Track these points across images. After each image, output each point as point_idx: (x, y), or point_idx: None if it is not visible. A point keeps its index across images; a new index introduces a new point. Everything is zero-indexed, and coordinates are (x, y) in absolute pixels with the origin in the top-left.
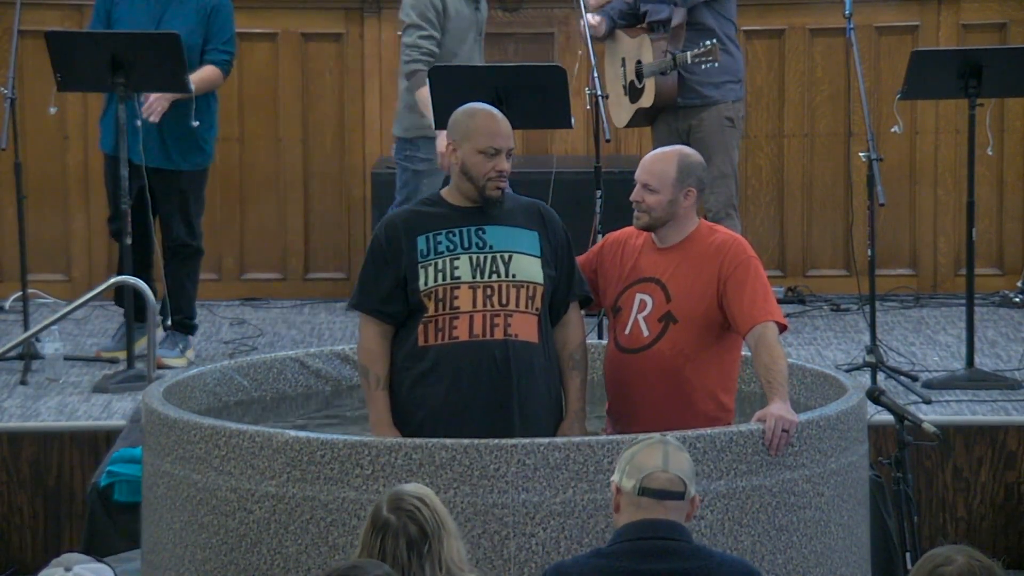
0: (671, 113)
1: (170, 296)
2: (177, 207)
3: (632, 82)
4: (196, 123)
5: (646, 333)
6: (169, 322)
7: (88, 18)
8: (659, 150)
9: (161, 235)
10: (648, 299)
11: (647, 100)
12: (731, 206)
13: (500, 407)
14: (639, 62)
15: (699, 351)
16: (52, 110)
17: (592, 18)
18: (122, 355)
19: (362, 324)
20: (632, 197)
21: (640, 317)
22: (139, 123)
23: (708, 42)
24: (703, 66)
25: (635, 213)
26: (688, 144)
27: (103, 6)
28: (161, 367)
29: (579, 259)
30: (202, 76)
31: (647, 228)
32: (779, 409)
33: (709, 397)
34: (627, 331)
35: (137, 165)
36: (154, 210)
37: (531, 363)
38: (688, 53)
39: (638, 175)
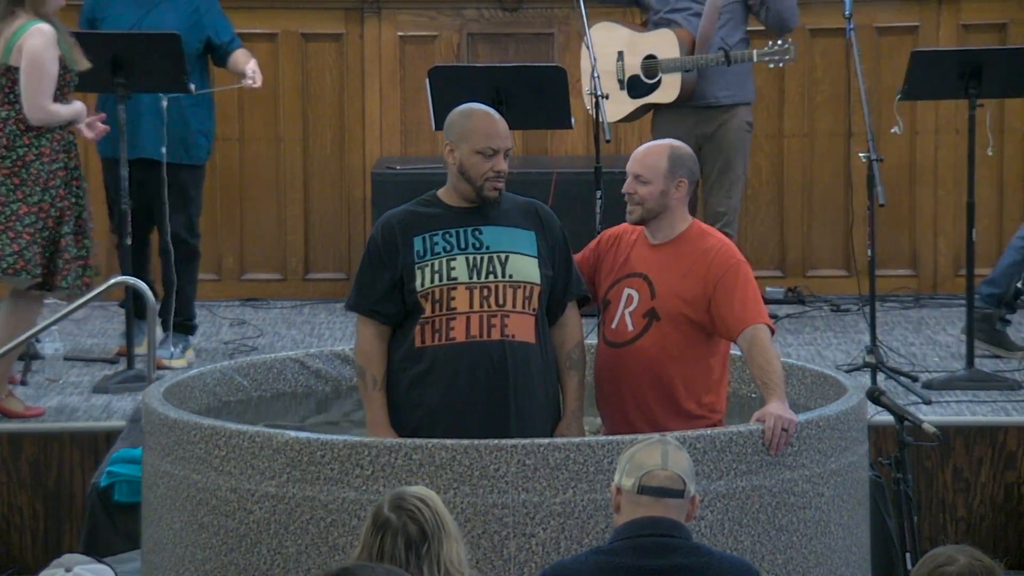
0: (687, 114)
1: (168, 297)
2: (180, 203)
3: (634, 77)
4: (192, 86)
5: (630, 328)
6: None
7: None
8: (650, 143)
9: (159, 237)
10: (635, 294)
11: (667, 95)
12: (737, 209)
13: (497, 408)
14: (650, 56)
15: (683, 350)
16: None
17: None
18: (141, 350)
19: (359, 325)
20: (624, 189)
21: (626, 312)
22: (164, 104)
23: (784, 43)
24: (731, 64)
25: (628, 207)
26: (705, 146)
27: (87, 15)
28: (161, 368)
29: (577, 255)
30: (250, 59)
31: (640, 221)
32: (778, 408)
33: (692, 396)
34: (614, 325)
35: (156, 162)
36: (154, 211)
37: (528, 363)
38: (754, 51)
39: (629, 167)
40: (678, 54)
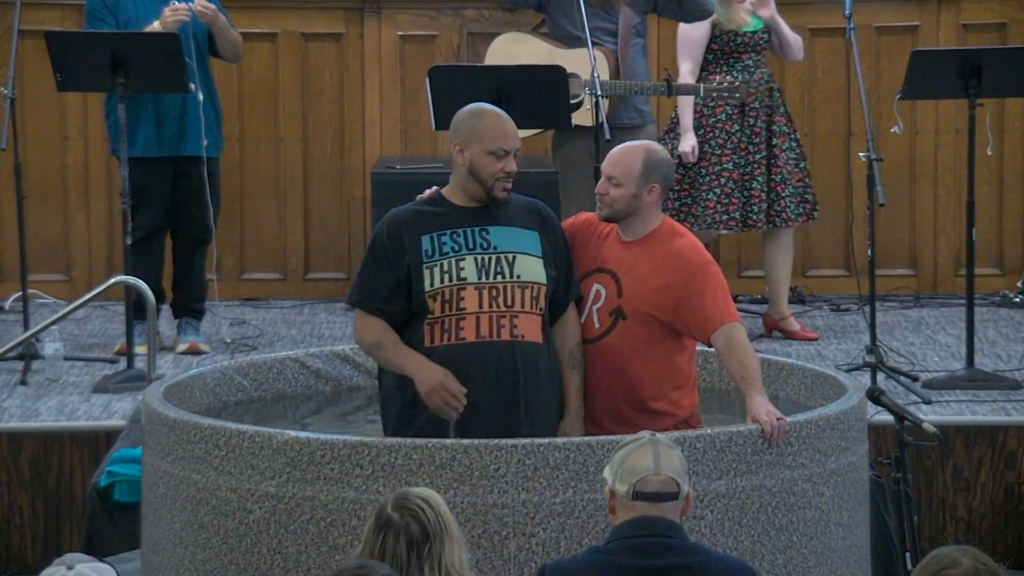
0: (596, 135)
1: (185, 283)
2: (212, 192)
3: None
4: (192, 85)
5: (597, 325)
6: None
7: None
8: (627, 144)
9: (184, 226)
10: (603, 290)
11: (588, 118)
12: None
13: (507, 408)
14: (572, 75)
15: (648, 348)
16: None
17: None
18: (142, 349)
19: (360, 319)
20: (596, 189)
21: (594, 308)
22: (200, 98)
23: (734, 80)
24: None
25: (598, 204)
26: None
27: (103, 7)
28: (199, 353)
29: None
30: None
31: (608, 219)
32: (765, 403)
33: (659, 394)
34: (582, 320)
35: (196, 158)
36: (183, 207)
37: (537, 363)
38: (701, 86)
39: (604, 167)
40: (607, 76)
